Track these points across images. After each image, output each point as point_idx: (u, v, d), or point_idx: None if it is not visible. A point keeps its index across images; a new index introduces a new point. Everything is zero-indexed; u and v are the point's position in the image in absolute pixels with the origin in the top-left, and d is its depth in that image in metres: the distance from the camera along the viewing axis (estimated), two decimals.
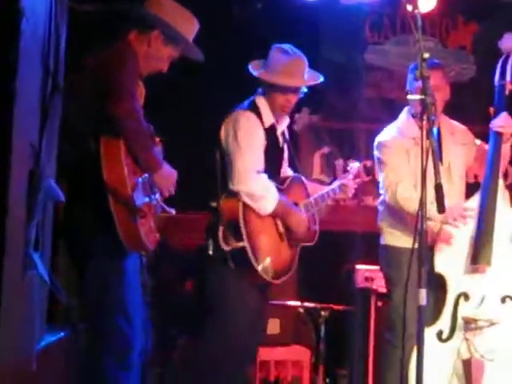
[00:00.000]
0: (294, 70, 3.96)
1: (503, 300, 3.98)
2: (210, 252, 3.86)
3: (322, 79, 4.08)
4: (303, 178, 4.24)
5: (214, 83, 4.94)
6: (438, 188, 3.27)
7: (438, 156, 3.92)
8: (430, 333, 3.88)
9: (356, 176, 4.29)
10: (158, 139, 3.53)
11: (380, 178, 4.32)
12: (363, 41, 5.89)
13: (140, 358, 3.54)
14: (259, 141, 3.93)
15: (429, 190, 3.27)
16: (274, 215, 3.92)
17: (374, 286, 4.89)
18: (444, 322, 4.02)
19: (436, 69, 4.16)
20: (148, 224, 3.42)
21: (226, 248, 3.82)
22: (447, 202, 3.22)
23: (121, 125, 3.22)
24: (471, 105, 5.34)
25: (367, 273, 4.94)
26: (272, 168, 4.01)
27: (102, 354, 3.37)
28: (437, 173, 3.28)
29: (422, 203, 3.19)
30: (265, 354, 4.62)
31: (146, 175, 3.38)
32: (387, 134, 4.33)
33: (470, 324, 3.94)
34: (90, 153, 3.27)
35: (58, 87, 3.23)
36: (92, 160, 3.24)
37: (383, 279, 4.47)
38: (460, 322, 3.99)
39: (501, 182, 4.14)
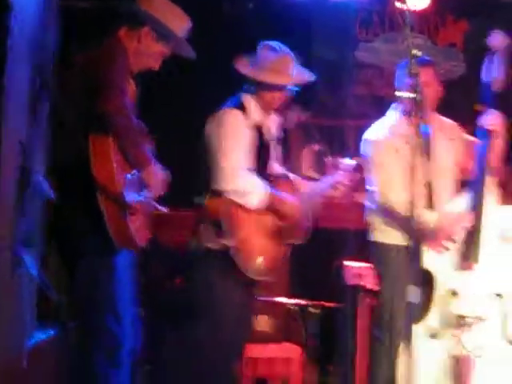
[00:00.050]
0: (281, 67, 3.95)
1: (491, 297, 3.98)
2: (195, 250, 3.87)
3: (310, 76, 4.07)
4: (290, 176, 4.23)
5: (205, 80, 4.94)
6: (428, 186, 3.28)
7: (427, 153, 3.93)
8: (418, 329, 3.87)
9: (349, 173, 4.28)
10: (148, 137, 3.53)
11: (369, 176, 4.32)
12: (353, 38, 5.90)
13: (130, 356, 3.55)
14: (244, 139, 3.92)
15: (418, 188, 3.29)
16: (265, 207, 3.92)
17: (364, 283, 4.89)
18: (432, 319, 4.03)
19: (426, 66, 4.16)
20: (138, 221, 3.42)
21: (210, 246, 3.83)
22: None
23: (110, 121, 3.23)
24: (461, 102, 5.35)
25: (356, 270, 4.95)
26: (259, 165, 4.01)
27: (91, 352, 3.37)
28: (426, 170, 3.29)
29: (412, 201, 3.21)
30: (255, 351, 4.62)
31: (136, 172, 3.38)
32: (376, 132, 4.33)
33: (458, 321, 3.95)
34: (79, 150, 3.27)
35: (47, 84, 3.23)
36: (81, 157, 3.24)
37: (373, 276, 4.47)
38: (448, 318, 3.99)
39: (491, 179, 4.15)
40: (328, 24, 5.72)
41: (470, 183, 4.15)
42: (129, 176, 3.33)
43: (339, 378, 5.16)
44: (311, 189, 4.24)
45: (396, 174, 4.15)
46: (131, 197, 3.34)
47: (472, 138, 4.34)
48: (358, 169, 4.34)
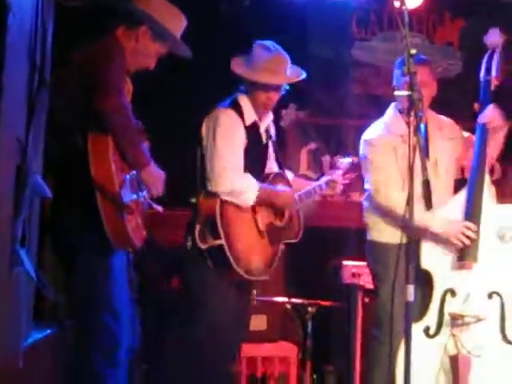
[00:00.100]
0: (275, 67, 3.95)
1: (490, 296, 3.99)
2: (189, 249, 3.87)
3: (304, 75, 4.07)
4: (286, 175, 4.22)
5: (202, 80, 4.92)
6: (426, 184, 3.28)
7: (425, 152, 3.94)
8: (416, 329, 3.88)
9: (346, 171, 4.28)
10: (146, 136, 3.52)
11: (366, 175, 4.31)
12: (350, 37, 5.90)
13: (127, 355, 3.53)
14: (239, 139, 3.92)
15: (416, 187, 3.29)
16: (260, 203, 3.91)
17: (361, 282, 4.90)
18: (431, 318, 4.03)
19: (423, 64, 4.16)
20: (135, 221, 3.41)
21: (203, 246, 3.83)
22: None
23: (108, 120, 3.21)
24: (458, 101, 5.36)
25: (354, 269, 4.95)
26: (255, 165, 4.01)
27: (89, 351, 3.36)
28: (424, 169, 3.29)
29: (410, 199, 3.21)
30: (252, 350, 4.62)
31: (134, 172, 3.38)
32: (374, 132, 4.32)
33: (456, 320, 3.95)
34: (77, 148, 3.26)
35: (45, 82, 3.21)
36: (79, 156, 3.23)
37: (370, 275, 4.47)
38: (447, 318, 4.00)
39: (487, 177, 4.15)
40: (325, 23, 5.71)
41: (468, 181, 4.15)
42: (127, 176, 3.32)
43: (336, 377, 5.16)
44: (307, 188, 4.23)
45: (394, 173, 4.14)
46: (129, 197, 3.32)
47: (471, 136, 4.33)
48: (355, 167, 4.34)
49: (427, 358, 3.93)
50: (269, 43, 4.01)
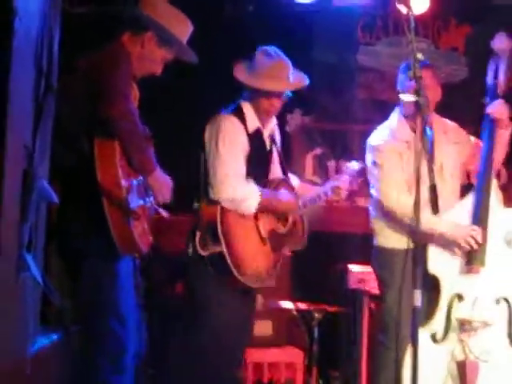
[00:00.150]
0: (277, 73, 3.93)
1: (497, 301, 3.98)
2: (191, 256, 3.86)
3: (307, 80, 4.05)
4: (291, 180, 4.21)
5: (207, 85, 4.93)
6: (432, 189, 3.28)
7: (431, 156, 3.93)
8: (423, 334, 3.86)
9: (353, 177, 4.26)
10: (152, 142, 3.52)
11: (372, 180, 4.30)
12: (355, 42, 5.90)
13: (133, 361, 3.53)
14: (241, 146, 3.91)
15: (423, 192, 3.28)
16: (262, 210, 3.91)
17: (367, 288, 4.89)
18: (438, 324, 4.02)
19: (425, 68, 4.15)
20: (141, 226, 3.41)
21: (204, 253, 3.82)
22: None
23: (115, 126, 3.21)
24: (463, 106, 5.35)
25: (360, 274, 4.94)
26: (258, 172, 4.00)
27: (95, 357, 3.36)
28: (430, 174, 3.28)
29: (417, 204, 3.20)
30: (258, 355, 4.61)
31: (141, 178, 3.37)
32: (379, 137, 4.31)
33: (464, 325, 3.94)
34: (83, 154, 3.26)
35: (51, 88, 3.21)
36: (86, 161, 3.23)
37: (376, 281, 4.46)
38: (454, 323, 3.99)
39: (494, 182, 4.14)
40: (330, 28, 5.71)
41: (475, 186, 4.14)
42: (134, 182, 3.32)
43: (342, 383, 5.15)
44: (312, 193, 4.22)
45: (400, 177, 4.14)
46: (135, 202, 3.32)
47: (478, 142, 4.33)
48: (362, 173, 4.33)
49: (434, 364, 3.91)
50: (271, 49, 4.00)
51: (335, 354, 5.04)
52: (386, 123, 4.38)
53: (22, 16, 2.72)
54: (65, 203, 3.28)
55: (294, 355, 4.73)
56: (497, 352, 3.92)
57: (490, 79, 4.27)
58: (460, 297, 4.01)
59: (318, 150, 5.78)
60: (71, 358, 3.47)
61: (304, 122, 5.72)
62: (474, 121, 4.51)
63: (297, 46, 5.32)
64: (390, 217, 4.20)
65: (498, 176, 4.29)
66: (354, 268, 4.98)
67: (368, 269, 4.72)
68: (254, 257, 3.90)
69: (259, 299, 4.51)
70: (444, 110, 4.41)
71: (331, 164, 5.76)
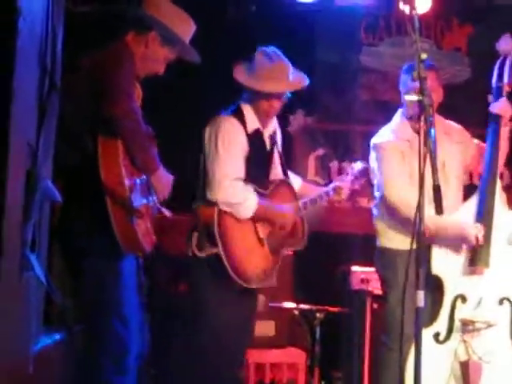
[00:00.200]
0: (276, 75, 3.93)
1: (501, 302, 3.98)
2: (190, 256, 3.86)
3: (307, 81, 4.04)
4: (291, 181, 4.20)
5: (210, 84, 4.92)
6: (437, 190, 3.26)
7: (435, 157, 3.92)
8: (426, 334, 3.87)
9: (356, 177, 4.26)
10: (155, 141, 3.51)
11: (376, 179, 4.30)
12: (358, 42, 5.89)
13: (136, 362, 3.52)
14: (239, 147, 3.91)
15: (427, 191, 3.26)
16: (256, 219, 3.90)
17: (370, 288, 4.88)
18: (441, 324, 4.02)
19: (429, 70, 4.14)
20: (145, 225, 3.40)
21: (201, 254, 3.82)
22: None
23: (118, 125, 3.21)
24: (466, 107, 5.36)
25: (363, 275, 4.94)
26: (258, 173, 4.00)
27: (98, 357, 3.35)
28: (435, 174, 3.27)
29: (420, 206, 3.19)
30: (260, 356, 4.61)
31: (144, 177, 3.37)
32: (383, 136, 4.32)
33: (467, 326, 3.94)
34: (87, 153, 3.26)
35: (55, 86, 3.20)
36: (89, 160, 3.23)
37: (379, 281, 4.46)
38: (457, 323, 3.99)
39: (498, 183, 4.14)
40: (332, 28, 5.71)
41: (479, 187, 4.14)
42: (138, 181, 3.32)
43: (344, 383, 5.14)
44: (313, 194, 4.21)
45: (403, 173, 4.13)
46: (139, 201, 3.32)
47: (481, 144, 4.33)
48: (365, 173, 4.33)
49: (437, 364, 3.91)
50: (270, 50, 3.99)
51: (337, 355, 5.03)
52: (389, 125, 4.38)
53: (25, 15, 2.71)
54: (68, 202, 3.27)
55: (296, 356, 4.73)
56: (500, 353, 3.92)
57: (495, 81, 4.27)
58: (463, 298, 4.01)
59: (321, 151, 5.77)
60: (74, 358, 3.46)
61: (306, 123, 5.71)
62: (477, 122, 4.51)
63: (299, 46, 5.33)
64: (394, 213, 4.19)
65: (501, 177, 4.27)
66: (356, 269, 4.98)
67: (370, 269, 4.72)
68: (251, 258, 3.89)
69: (261, 299, 4.50)
70: (447, 110, 4.41)
71: (333, 165, 5.75)
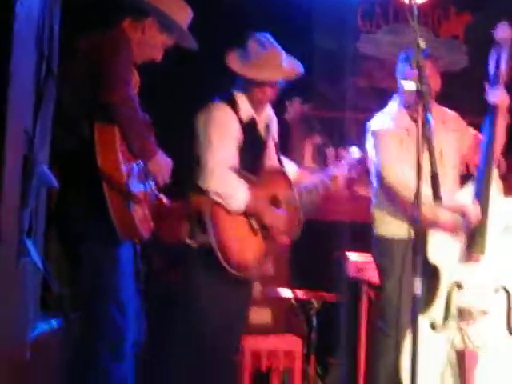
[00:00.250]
0: (269, 63, 3.90)
1: (496, 290, 3.99)
2: (184, 245, 3.86)
3: (301, 67, 4.01)
4: (286, 170, 4.18)
5: (206, 71, 4.90)
6: (434, 177, 3.25)
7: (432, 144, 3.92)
8: (423, 322, 3.87)
9: (353, 163, 4.25)
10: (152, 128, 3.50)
11: (373, 165, 4.29)
12: (355, 29, 5.87)
13: (133, 349, 3.52)
14: (232, 135, 3.89)
15: (424, 180, 3.26)
16: (246, 214, 3.89)
17: (366, 277, 4.88)
18: (437, 312, 4.02)
19: (427, 59, 4.13)
20: (142, 211, 3.40)
21: (193, 243, 3.82)
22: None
23: (115, 112, 3.20)
24: (463, 95, 5.34)
25: (359, 263, 4.93)
26: (252, 161, 3.98)
27: (95, 344, 3.35)
28: (432, 162, 3.26)
29: (418, 194, 3.19)
30: (256, 343, 4.61)
31: (141, 163, 3.36)
32: (380, 123, 4.31)
33: (463, 314, 3.94)
34: (83, 138, 3.25)
35: (52, 71, 3.20)
36: (86, 146, 3.22)
37: (375, 269, 4.46)
38: (453, 311, 3.99)
39: (495, 171, 4.14)
40: (329, 15, 5.68)
41: (476, 174, 4.14)
42: (135, 166, 3.31)
43: (340, 371, 5.15)
44: (310, 182, 4.20)
45: (401, 159, 4.12)
46: (136, 187, 3.31)
47: (478, 134, 4.33)
48: (361, 160, 4.32)
49: (433, 352, 3.92)
50: (263, 37, 3.97)
51: (334, 343, 5.04)
52: (386, 110, 4.37)
53: (23, 0, 2.70)
54: (65, 187, 3.27)
55: (292, 343, 4.72)
56: (495, 341, 3.93)
57: (491, 69, 4.26)
58: (459, 285, 4.01)
59: (317, 138, 5.76)
60: (71, 345, 3.46)
61: (303, 110, 5.69)
62: (474, 110, 4.50)
63: (296, 33, 5.31)
64: (393, 198, 4.18)
65: (498, 166, 4.27)
66: (353, 257, 4.98)
67: (367, 258, 4.72)
68: (243, 247, 3.88)
69: (257, 287, 4.50)
70: (444, 99, 4.40)
71: (330, 152, 5.74)
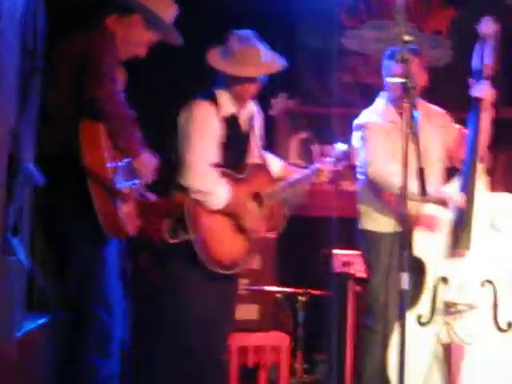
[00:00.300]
0: (249, 59, 3.89)
1: (482, 284, 4.00)
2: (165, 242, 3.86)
3: (282, 62, 3.98)
4: (268, 165, 4.17)
5: (192, 67, 4.88)
6: (420, 172, 3.26)
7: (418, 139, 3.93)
8: (409, 317, 3.87)
9: (339, 157, 4.25)
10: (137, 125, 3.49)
11: (360, 159, 4.30)
12: (339, 25, 5.86)
13: (119, 346, 3.52)
14: (212, 132, 3.88)
15: (410, 174, 3.27)
16: (225, 212, 3.89)
17: (352, 271, 4.89)
18: (423, 306, 4.03)
19: (413, 55, 4.14)
20: (128, 209, 3.40)
21: (173, 240, 3.81)
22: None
23: (101, 108, 3.20)
24: (447, 90, 5.35)
25: (345, 258, 4.94)
26: (234, 157, 3.98)
27: (82, 342, 3.35)
28: (418, 157, 3.27)
29: (404, 187, 3.19)
30: (243, 339, 4.60)
31: (127, 160, 3.35)
32: (367, 117, 4.33)
33: (449, 308, 3.96)
34: (68, 136, 3.23)
35: (37, 69, 3.18)
36: (71, 143, 3.20)
37: (361, 264, 4.47)
38: (439, 306, 4.01)
39: (480, 166, 4.16)
40: (313, 11, 5.67)
41: (460, 169, 4.16)
42: (120, 164, 3.30)
43: (327, 366, 5.15)
44: (293, 177, 4.20)
45: (387, 154, 4.13)
46: (122, 184, 3.30)
47: (463, 129, 4.35)
48: (347, 155, 4.32)
49: (420, 346, 3.93)
50: (243, 33, 3.95)
51: (320, 338, 5.04)
52: (372, 107, 4.38)
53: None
54: (50, 185, 3.25)
55: (279, 339, 4.72)
56: (482, 335, 3.95)
57: (475, 64, 4.28)
58: (445, 280, 4.03)
59: (303, 134, 5.76)
60: (58, 343, 3.45)
61: (288, 106, 5.69)
62: (459, 105, 4.51)
63: (280, 29, 5.31)
64: (379, 192, 4.20)
65: (483, 160, 4.29)
66: (338, 251, 4.98)
67: (353, 252, 4.73)
68: (225, 245, 3.88)
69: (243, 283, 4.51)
70: (428, 94, 4.41)
71: (315, 148, 5.73)
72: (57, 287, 3.45)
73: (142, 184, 3.54)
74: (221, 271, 3.85)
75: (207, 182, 3.81)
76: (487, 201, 4.10)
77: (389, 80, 3.98)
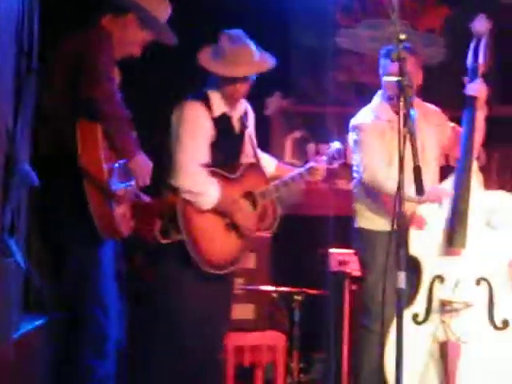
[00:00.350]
0: (240, 59, 3.88)
1: (478, 282, 4.01)
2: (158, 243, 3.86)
3: (273, 61, 3.97)
4: (261, 164, 4.16)
5: (186, 68, 4.87)
6: (417, 171, 3.26)
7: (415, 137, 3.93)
8: (405, 316, 3.86)
9: (333, 156, 4.25)
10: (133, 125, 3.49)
11: (355, 160, 4.30)
12: (334, 24, 5.86)
13: (115, 347, 3.52)
14: (203, 132, 3.88)
15: (407, 172, 3.27)
16: (216, 211, 3.89)
17: (348, 270, 4.89)
18: (419, 305, 4.04)
19: (408, 53, 4.14)
20: (123, 210, 3.40)
21: (165, 241, 3.81)
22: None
23: (98, 108, 3.19)
24: (440, 88, 5.36)
25: (341, 256, 4.93)
26: (227, 157, 3.97)
27: (78, 343, 3.35)
28: (415, 155, 3.27)
29: (400, 186, 3.19)
30: (239, 339, 4.60)
31: (123, 161, 3.35)
32: (362, 117, 4.33)
33: (445, 306, 3.97)
34: (64, 136, 3.23)
35: (33, 69, 3.18)
36: (67, 144, 3.20)
37: (357, 263, 4.47)
38: (435, 304, 4.02)
39: (475, 164, 4.17)
40: (308, 9, 5.67)
41: (455, 168, 4.17)
42: (116, 165, 3.30)
43: (324, 365, 5.16)
44: (287, 176, 4.19)
45: (381, 152, 4.14)
46: (117, 185, 3.30)
47: (457, 127, 4.35)
48: (342, 153, 4.32)
49: (416, 345, 3.93)
50: (234, 32, 3.94)
51: (317, 337, 5.04)
52: (369, 106, 4.39)
53: None
54: (46, 186, 3.25)
55: (275, 338, 4.72)
56: (478, 333, 3.95)
57: (470, 62, 4.28)
58: (441, 278, 4.04)
59: (298, 133, 5.76)
60: (54, 344, 3.45)
61: (283, 105, 5.69)
62: (453, 103, 4.52)
63: (275, 28, 5.31)
64: (372, 190, 4.20)
65: (478, 158, 4.30)
66: (334, 250, 4.98)
67: (349, 251, 4.73)
68: (217, 245, 3.88)
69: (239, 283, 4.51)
70: (422, 92, 4.41)
71: (310, 147, 5.73)
72: (53, 287, 3.45)
73: (138, 186, 3.53)
74: (213, 271, 3.84)
75: (197, 182, 3.81)
76: (482, 199, 4.11)
77: (385, 79, 3.98)
